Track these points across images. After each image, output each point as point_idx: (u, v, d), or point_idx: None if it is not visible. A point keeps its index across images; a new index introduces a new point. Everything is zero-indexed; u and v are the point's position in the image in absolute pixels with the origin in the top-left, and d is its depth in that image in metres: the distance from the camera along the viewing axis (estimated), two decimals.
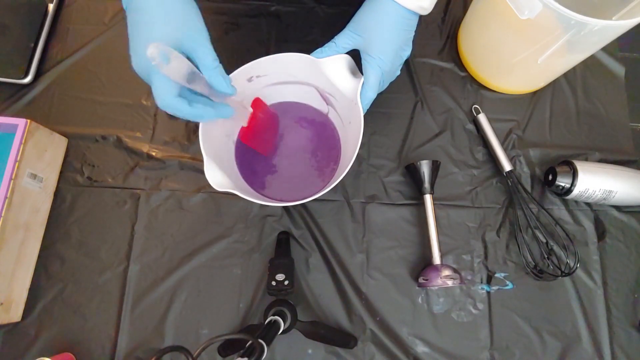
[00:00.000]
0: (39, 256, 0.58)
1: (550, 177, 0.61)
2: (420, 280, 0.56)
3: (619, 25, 0.47)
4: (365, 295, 0.58)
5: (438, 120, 0.66)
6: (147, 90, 0.65)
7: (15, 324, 0.56)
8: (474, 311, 0.58)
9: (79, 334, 0.56)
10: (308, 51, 0.52)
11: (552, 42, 0.52)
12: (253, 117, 0.53)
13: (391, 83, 0.54)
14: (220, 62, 0.43)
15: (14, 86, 0.65)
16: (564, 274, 0.57)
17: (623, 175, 0.60)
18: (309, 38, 0.69)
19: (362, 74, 0.51)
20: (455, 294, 0.59)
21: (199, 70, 0.42)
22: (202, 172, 0.48)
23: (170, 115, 0.63)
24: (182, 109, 0.41)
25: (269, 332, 0.45)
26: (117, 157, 0.63)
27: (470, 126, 0.66)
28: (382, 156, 0.64)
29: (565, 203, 0.63)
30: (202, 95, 0.44)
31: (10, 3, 0.67)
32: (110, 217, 0.60)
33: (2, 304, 0.53)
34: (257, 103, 0.54)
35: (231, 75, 0.49)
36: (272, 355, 0.56)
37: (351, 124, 0.55)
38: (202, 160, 0.48)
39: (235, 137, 0.60)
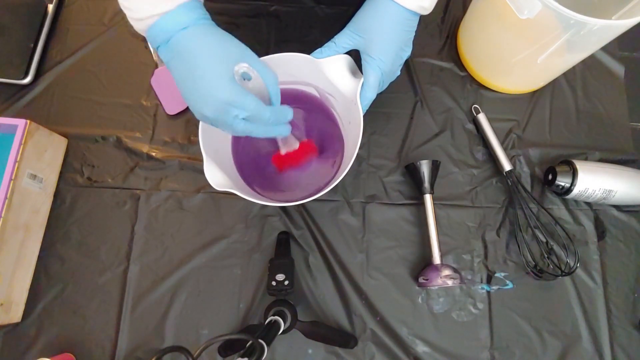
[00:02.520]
0: (39, 257, 0.58)
1: (550, 177, 0.61)
2: (420, 280, 0.56)
3: (618, 25, 0.47)
4: (365, 295, 0.58)
5: (438, 120, 0.66)
6: (147, 91, 0.65)
7: (15, 325, 0.56)
8: (474, 311, 0.58)
9: (79, 334, 0.56)
10: (308, 51, 0.52)
11: (552, 41, 0.51)
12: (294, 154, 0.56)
13: (391, 83, 0.54)
14: None
15: (14, 86, 0.65)
16: (564, 274, 0.57)
17: (623, 174, 0.60)
18: (308, 38, 0.69)
19: (362, 74, 0.51)
20: (455, 294, 0.59)
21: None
22: (202, 172, 0.48)
23: (170, 115, 0.64)
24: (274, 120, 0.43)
25: (269, 332, 0.45)
26: (117, 158, 0.63)
27: (470, 126, 0.66)
28: (382, 156, 0.64)
29: (565, 202, 0.63)
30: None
31: (10, 3, 0.67)
32: (110, 217, 0.60)
33: (2, 304, 0.53)
34: (307, 147, 0.57)
35: None
36: (272, 355, 0.56)
37: (351, 124, 0.55)
38: (202, 160, 0.48)
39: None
